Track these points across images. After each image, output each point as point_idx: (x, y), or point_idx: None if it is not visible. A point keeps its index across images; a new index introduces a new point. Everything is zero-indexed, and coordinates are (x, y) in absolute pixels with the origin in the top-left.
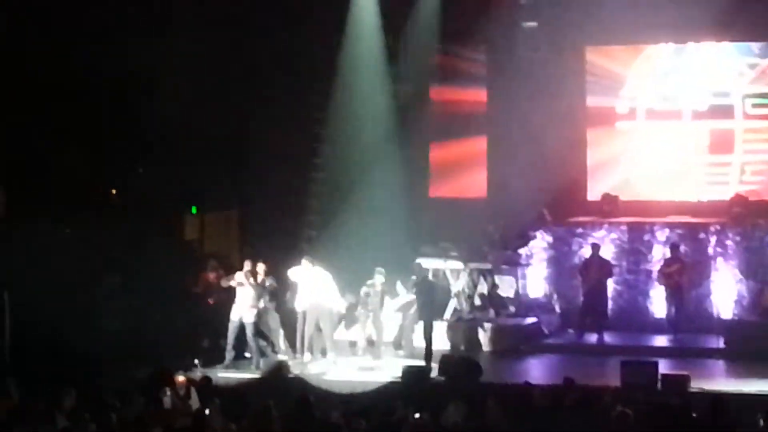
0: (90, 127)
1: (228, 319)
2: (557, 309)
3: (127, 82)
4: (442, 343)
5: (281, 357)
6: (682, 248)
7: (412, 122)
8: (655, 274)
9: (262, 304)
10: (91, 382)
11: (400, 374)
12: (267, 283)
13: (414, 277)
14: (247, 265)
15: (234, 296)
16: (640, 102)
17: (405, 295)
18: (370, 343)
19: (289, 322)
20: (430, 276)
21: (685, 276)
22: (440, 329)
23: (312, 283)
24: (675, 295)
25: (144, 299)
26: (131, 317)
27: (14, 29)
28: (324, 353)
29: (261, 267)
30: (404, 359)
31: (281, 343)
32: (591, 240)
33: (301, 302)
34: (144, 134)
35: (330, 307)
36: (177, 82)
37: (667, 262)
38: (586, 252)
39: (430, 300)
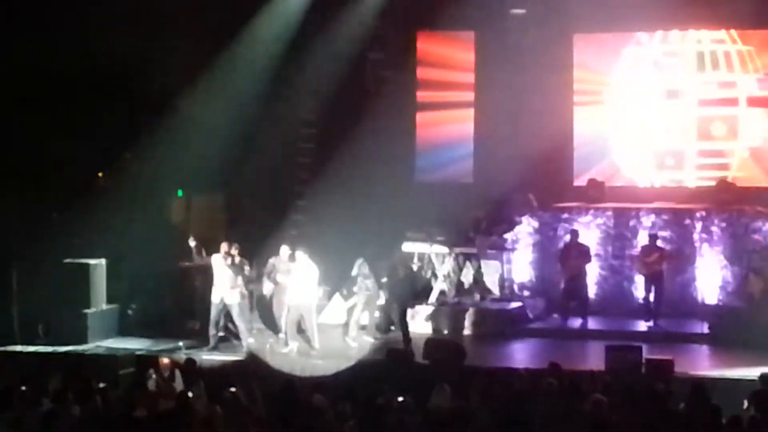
0: (77, 111)
1: (205, 302)
2: (542, 294)
3: (114, 67)
4: (426, 326)
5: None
6: (665, 234)
7: (398, 107)
8: (633, 262)
9: (244, 286)
10: (76, 363)
11: (384, 357)
12: (244, 266)
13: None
14: (224, 247)
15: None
16: (628, 88)
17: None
18: (358, 326)
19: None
20: (401, 260)
21: (665, 264)
22: (425, 313)
23: (299, 274)
24: (654, 282)
25: (130, 282)
26: (118, 300)
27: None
28: (309, 340)
29: (235, 248)
30: (386, 342)
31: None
32: (576, 225)
33: (289, 295)
34: (131, 118)
35: (312, 301)
36: (164, 67)
37: (646, 251)
38: (567, 238)
39: (405, 285)
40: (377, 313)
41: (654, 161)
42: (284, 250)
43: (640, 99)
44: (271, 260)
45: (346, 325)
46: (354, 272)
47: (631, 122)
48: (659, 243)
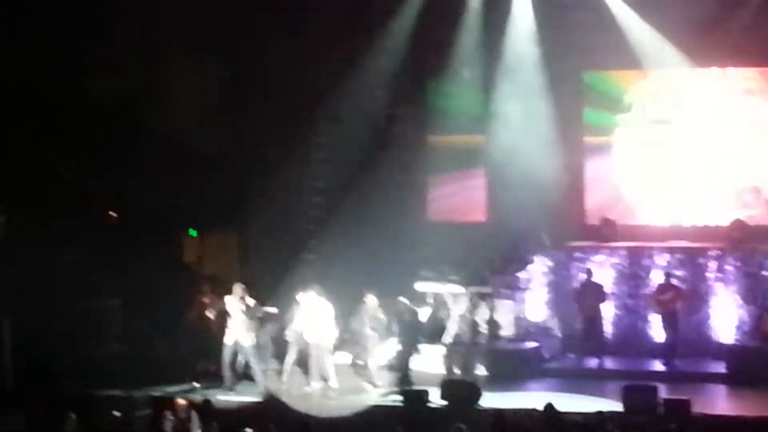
0: (90, 148)
1: (218, 343)
2: (557, 333)
3: (130, 104)
4: (441, 367)
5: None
6: (679, 273)
7: (412, 145)
8: (648, 301)
9: (257, 329)
10: (92, 406)
11: (400, 398)
12: (258, 310)
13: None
14: (237, 290)
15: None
16: (639, 126)
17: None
18: (369, 366)
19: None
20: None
21: (680, 302)
22: (439, 353)
23: (314, 313)
24: (670, 321)
25: (144, 321)
26: (131, 340)
27: (18, 50)
28: (326, 379)
29: (244, 290)
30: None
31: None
32: (590, 264)
33: (306, 333)
34: (143, 156)
35: (326, 338)
36: (179, 104)
37: (661, 289)
38: (582, 277)
39: (410, 328)
40: (392, 354)
41: (666, 199)
42: (302, 296)
43: (650, 137)
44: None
45: (363, 366)
46: (362, 313)
47: (642, 160)
48: (674, 281)
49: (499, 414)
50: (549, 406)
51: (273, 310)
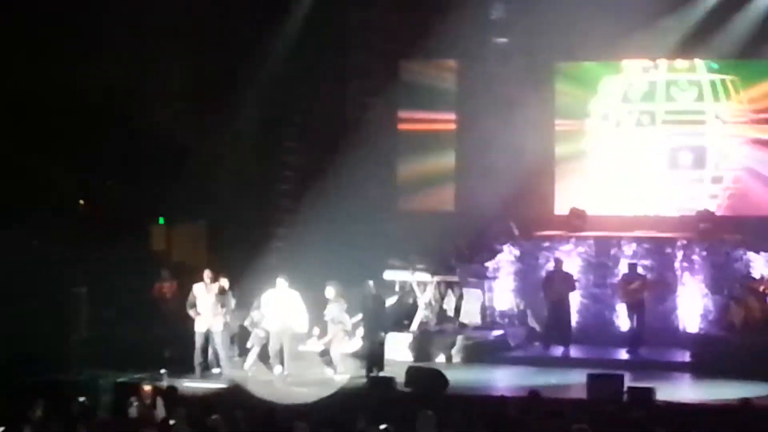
0: (60, 139)
1: (187, 329)
2: (524, 322)
3: (98, 95)
4: (407, 354)
5: (248, 369)
6: (647, 263)
7: (381, 134)
8: (614, 290)
9: (227, 314)
10: (58, 391)
11: (366, 385)
12: (228, 294)
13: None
14: (207, 275)
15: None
16: (609, 117)
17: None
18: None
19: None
20: (371, 291)
21: (647, 292)
22: (406, 341)
23: (281, 303)
24: (636, 310)
25: (111, 309)
26: (99, 327)
27: None
28: (286, 367)
29: (224, 280)
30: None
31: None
32: (558, 254)
33: (269, 322)
34: (113, 146)
35: (294, 327)
36: (147, 96)
37: (627, 279)
38: (551, 267)
39: (375, 316)
40: (358, 343)
41: (634, 190)
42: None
43: (621, 128)
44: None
45: (326, 354)
46: (328, 297)
47: (612, 151)
48: (640, 271)
49: (467, 401)
50: (534, 392)
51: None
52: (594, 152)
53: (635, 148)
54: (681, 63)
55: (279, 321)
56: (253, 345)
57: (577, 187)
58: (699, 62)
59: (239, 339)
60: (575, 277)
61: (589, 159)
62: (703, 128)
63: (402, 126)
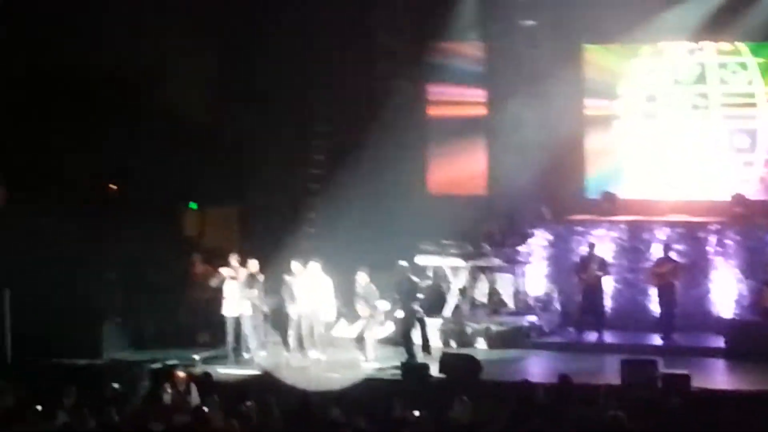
0: (91, 122)
1: (219, 315)
2: (557, 307)
3: (129, 78)
4: (440, 340)
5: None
6: (680, 248)
7: (411, 118)
8: (646, 275)
9: (257, 299)
10: (91, 378)
11: (399, 371)
12: (260, 278)
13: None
14: (234, 259)
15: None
16: (640, 99)
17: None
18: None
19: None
20: (404, 274)
21: (678, 276)
22: (439, 326)
23: (313, 287)
24: (667, 294)
25: (144, 295)
26: (131, 313)
27: (15, 24)
28: (320, 352)
29: (254, 263)
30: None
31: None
32: (590, 238)
33: (300, 305)
34: (145, 130)
35: (323, 311)
36: (178, 78)
37: (659, 263)
38: (584, 251)
39: (408, 299)
40: (392, 327)
41: (668, 174)
42: (295, 266)
43: (653, 110)
44: (287, 278)
45: (361, 340)
46: (357, 290)
47: (644, 133)
48: (672, 255)
49: (500, 387)
50: (564, 377)
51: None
52: (625, 135)
53: (666, 131)
54: (725, 45)
55: (310, 305)
56: (291, 330)
57: (608, 170)
58: (741, 45)
59: (273, 323)
60: (609, 262)
61: (620, 142)
62: (754, 111)
63: (431, 109)
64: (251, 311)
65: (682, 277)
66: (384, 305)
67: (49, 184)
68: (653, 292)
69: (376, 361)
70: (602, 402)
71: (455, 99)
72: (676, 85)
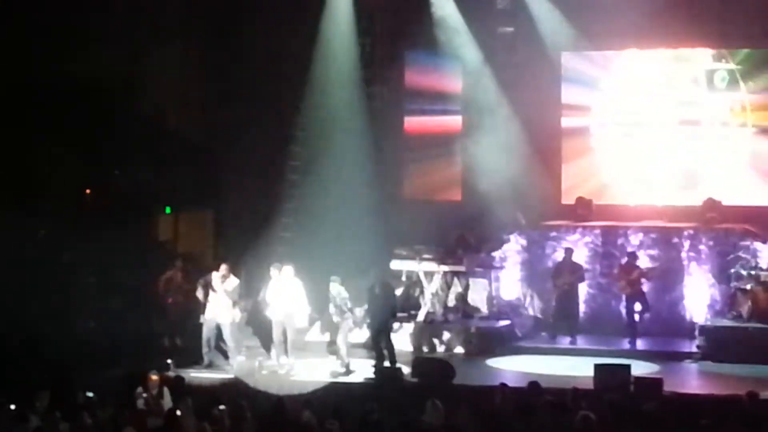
0: (66, 128)
1: (193, 319)
2: (530, 312)
3: (104, 83)
4: (413, 344)
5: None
6: (654, 252)
7: (386, 123)
8: (617, 284)
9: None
10: (65, 382)
11: (372, 376)
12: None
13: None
14: (223, 268)
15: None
16: (615, 107)
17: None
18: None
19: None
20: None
21: (650, 278)
22: (413, 331)
23: (286, 291)
24: (637, 300)
25: (119, 299)
26: (106, 317)
27: None
28: (289, 358)
29: (226, 269)
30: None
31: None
32: (565, 244)
33: (273, 310)
34: (119, 135)
35: (297, 316)
36: (154, 85)
37: (626, 270)
38: (559, 256)
39: (381, 303)
40: (365, 333)
41: (641, 179)
42: (272, 270)
43: (628, 118)
44: (263, 283)
45: (333, 345)
46: (331, 293)
47: (619, 141)
48: (640, 260)
49: (474, 391)
50: (534, 384)
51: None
52: (600, 142)
53: (641, 138)
54: (689, 52)
55: (283, 310)
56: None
57: (583, 176)
58: (705, 51)
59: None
60: (584, 267)
61: (595, 149)
62: (710, 119)
63: (408, 115)
64: (230, 320)
65: (650, 282)
66: (357, 311)
67: (23, 190)
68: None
69: (348, 365)
70: (574, 406)
71: (431, 99)
72: (649, 92)
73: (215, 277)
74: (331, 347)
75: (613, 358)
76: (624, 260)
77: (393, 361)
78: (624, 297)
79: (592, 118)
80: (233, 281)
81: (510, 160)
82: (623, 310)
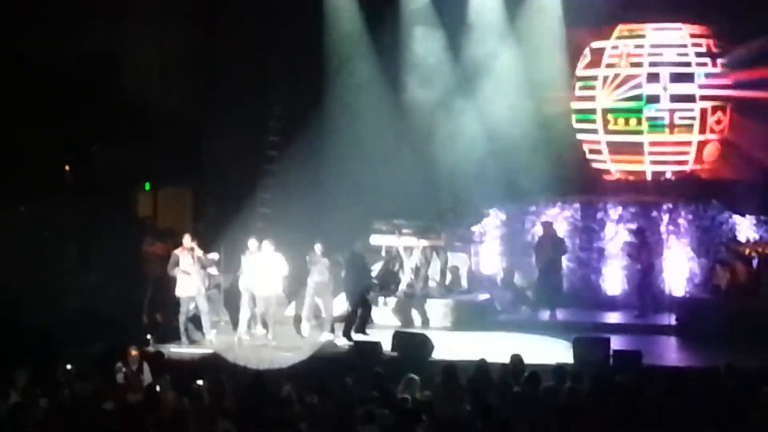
0: (46, 105)
1: (173, 295)
2: (511, 286)
3: (83, 62)
4: (393, 319)
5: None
6: (633, 226)
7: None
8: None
9: (207, 281)
10: (45, 358)
11: (351, 349)
12: (205, 260)
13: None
14: (186, 241)
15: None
16: (600, 79)
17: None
18: (318, 317)
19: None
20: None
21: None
22: (392, 305)
23: (267, 266)
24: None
25: (99, 276)
26: (87, 294)
27: None
28: (270, 331)
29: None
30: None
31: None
32: (544, 218)
33: (255, 285)
34: (99, 112)
35: (276, 290)
36: (133, 61)
37: (640, 247)
38: (539, 230)
39: (357, 276)
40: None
41: (621, 153)
42: (252, 243)
43: (603, 90)
44: (242, 257)
45: (316, 318)
46: (312, 259)
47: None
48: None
49: (450, 366)
50: (516, 358)
51: (214, 256)
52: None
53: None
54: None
55: (265, 285)
56: (244, 309)
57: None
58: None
59: (226, 303)
60: (564, 240)
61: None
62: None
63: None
64: (204, 291)
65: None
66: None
67: (4, 167)
68: (608, 271)
69: (332, 337)
70: (556, 380)
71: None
72: (620, 65)
73: (181, 251)
74: (311, 320)
75: (592, 332)
76: (633, 238)
77: (361, 330)
78: (641, 273)
79: (575, 91)
80: (198, 252)
81: (490, 134)
82: (602, 284)
